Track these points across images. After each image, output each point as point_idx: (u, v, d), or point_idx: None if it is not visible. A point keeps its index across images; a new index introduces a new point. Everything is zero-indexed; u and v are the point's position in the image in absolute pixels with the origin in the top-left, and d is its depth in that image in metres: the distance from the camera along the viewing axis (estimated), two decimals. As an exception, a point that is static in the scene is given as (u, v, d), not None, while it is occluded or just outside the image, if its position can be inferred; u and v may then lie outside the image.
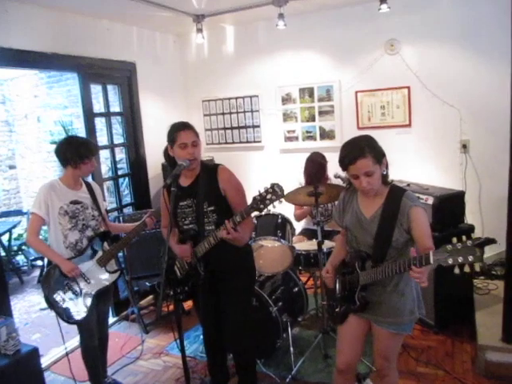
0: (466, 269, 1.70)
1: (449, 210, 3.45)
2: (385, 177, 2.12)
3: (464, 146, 4.22)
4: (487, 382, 2.91)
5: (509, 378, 2.87)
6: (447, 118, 4.24)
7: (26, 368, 2.88)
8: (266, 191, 2.13)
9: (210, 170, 2.59)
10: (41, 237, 2.93)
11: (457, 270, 1.72)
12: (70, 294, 2.83)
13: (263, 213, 2.69)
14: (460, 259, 1.68)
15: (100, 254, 2.96)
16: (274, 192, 2.12)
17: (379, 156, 2.05)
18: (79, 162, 2.85)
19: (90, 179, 3.19)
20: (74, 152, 2.84)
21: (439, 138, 4.32)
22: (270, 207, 2.21)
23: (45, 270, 2.90)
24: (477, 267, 1.68)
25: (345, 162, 2.06)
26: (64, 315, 2.83)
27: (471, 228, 3.57)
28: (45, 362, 3.43)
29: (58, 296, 2.81)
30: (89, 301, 2.85)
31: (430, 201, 3.41)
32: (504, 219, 2.87)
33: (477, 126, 4.15)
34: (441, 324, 3.52)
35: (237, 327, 2.70)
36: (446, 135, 4.29)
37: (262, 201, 2.13)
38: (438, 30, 4.15)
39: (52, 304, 2.81)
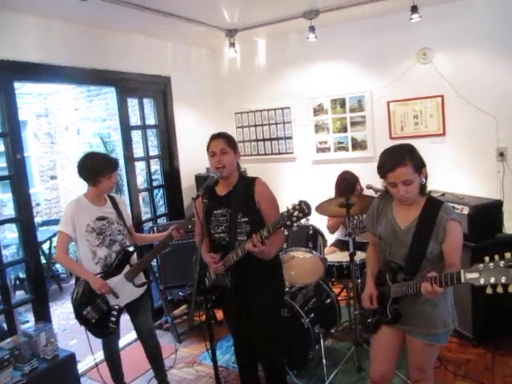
0: (499, 289, 1.64)
1: (485, 219, 3.36)
2: (423, 187, 2.09)
3: (501, 154, 4.11)
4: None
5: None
6: (483, 126, 4.14)
7: (64, 373, 2.98)
8: (294, 208, 2.13)
9: (247, 182, 2.61)
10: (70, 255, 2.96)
11: (489, 290, 1.66)
12: (98, 309, 2.86)
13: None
14: (492, 280, 1.63)
15: (127, 268, 2.97)
16: (301, 209, 2.12)
17: (419, 165, 2.03)
18: (96, 179, 2.86)
19: (112, 192, 3.13)
20: (91, 170, 2.87)
21: (475, 147, 4.23)
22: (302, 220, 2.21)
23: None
24: (510, 288, 1.61)
25: (384, 169, 2.03)
26: (93, 329, 2.91)
27: (510, 238, 3.46)
28: (81, 367, 3.52)
29: (87, 311, 2.86)
30: (116, 315, 2.89)
31: (466, 211, 3.33)
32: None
33: (514, 133, 4.04)
34: (480, 336, 3.41)
35: (265, 340, 2.70)
36: (481, 143, 4.19)
37: (289, 217, 2.14)
38: (471, 37, 4.09)
39: (81, 319, 2.88)
